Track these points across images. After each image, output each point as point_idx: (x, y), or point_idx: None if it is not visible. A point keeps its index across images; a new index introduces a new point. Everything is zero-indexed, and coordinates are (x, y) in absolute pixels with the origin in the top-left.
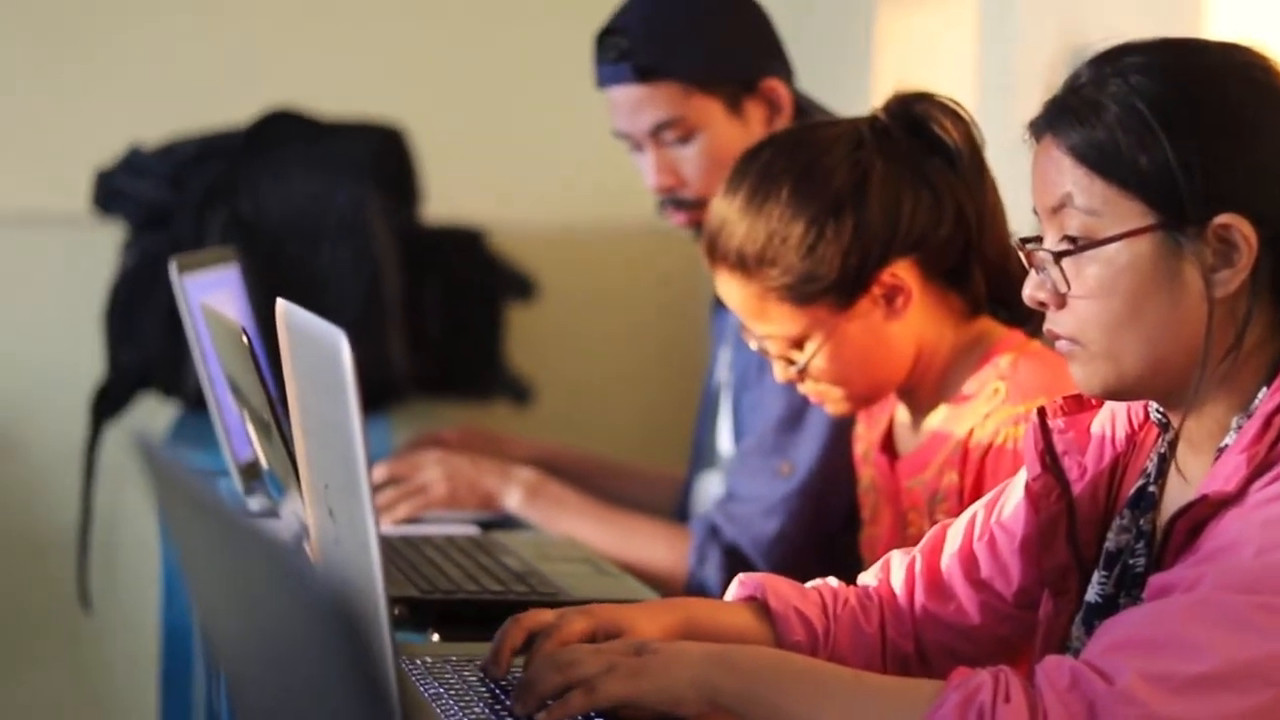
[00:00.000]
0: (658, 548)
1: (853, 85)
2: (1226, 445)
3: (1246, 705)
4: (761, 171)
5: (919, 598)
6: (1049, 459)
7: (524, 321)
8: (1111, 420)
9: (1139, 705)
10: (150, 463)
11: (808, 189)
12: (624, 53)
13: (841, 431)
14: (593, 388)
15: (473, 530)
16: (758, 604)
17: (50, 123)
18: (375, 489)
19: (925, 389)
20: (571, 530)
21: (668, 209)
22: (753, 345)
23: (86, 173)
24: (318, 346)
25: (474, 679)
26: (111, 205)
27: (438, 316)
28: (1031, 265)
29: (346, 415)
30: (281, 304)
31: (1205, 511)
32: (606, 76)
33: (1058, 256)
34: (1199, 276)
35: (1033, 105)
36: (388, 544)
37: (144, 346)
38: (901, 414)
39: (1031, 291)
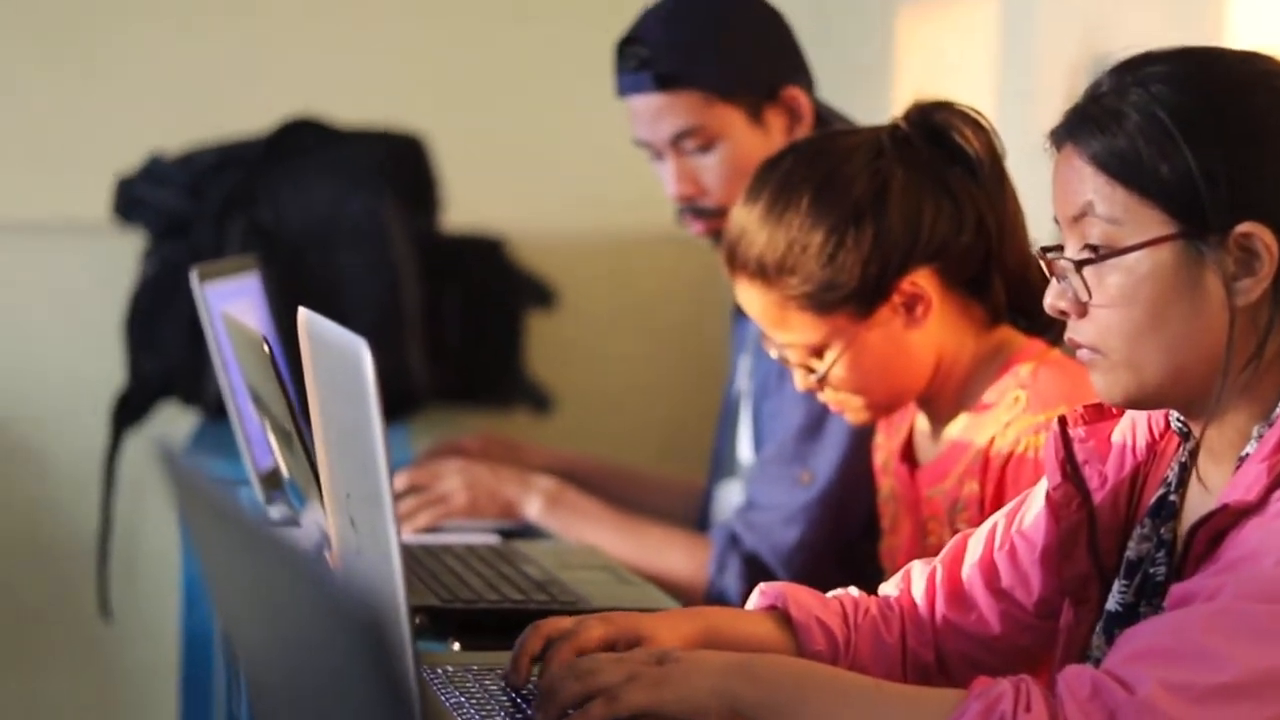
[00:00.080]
0: (677, 556)
1: (873, 94)
2: (1248, 454)
3: (1268, 715)
4: (782, 180)
5: (940, 607)
6: (1070, 468)
7: (543, 330)
8: (1132, 429)
9: (1160, 715)
10: (173, 472)
11: (828, 198)
12: (644, 61)
13: (861, 440)
14: (612, 396)
15: (493, 539)
16: (779, 613)
17: (71, 131)
18: (396, 498)
19: (945, 398)
20: (591, 539)
21: (687, 217)
22: (773, 354)
23: (107, 181)
24: (339, 355)
25: (495, 688)
26: (132, 214)
27: (457, 325)
28: (1053, 274)
29: (368, 424)
30: (303, 313)
31: (1226, 521)
32: (627, 85)
33: (1079, 265)
34: (1220, 285)
35: (1053, 114)
36: (408, 553)
37: (164, 355)
38: (921, 423)
39: (1053, 300)
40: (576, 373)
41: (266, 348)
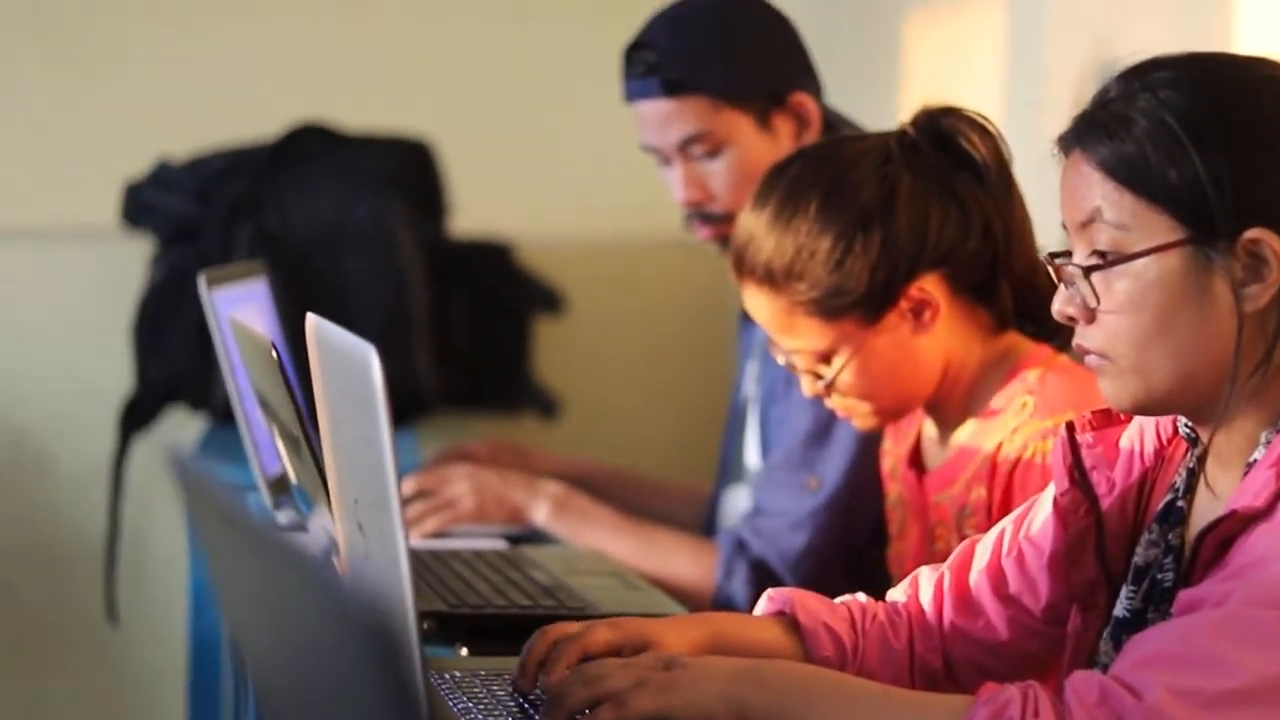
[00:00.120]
0: (685, 562)
1: (881, 100)
2: (1256, 460)
3: None
4: (789, 186)
5: (947, 613)
6: (1077, 474)
7: (551, 335)
8: (1140, 435)
9: None
10: (182, 477)
11: (835, 203)
12: (652, 67)
13: (869, 446)
14: (619, 401)
15: (500, 544)
16: (786, 619)
17: (79, 137)
18: (403, 503)
19: (953, 403)
20: (599, 544)
21: (695, 223)
22: (780, 360)
23: (115, 187)
24: (348, 361)
25: (503, 693)
26: (140, 219)
27: (465, 330)
28: (1061, 280)
29: (377, 430)
30: (311, 318)
31: (1234, 527)
32: (635, 91)
33: (1087, 271)
34: (1229, 291)
35: (1060, 120)
36: (416, 558)
37: (172, 360)
38: (929, 429)
39: (1061, 306)
40: (584, 378)
41: (274, 353)
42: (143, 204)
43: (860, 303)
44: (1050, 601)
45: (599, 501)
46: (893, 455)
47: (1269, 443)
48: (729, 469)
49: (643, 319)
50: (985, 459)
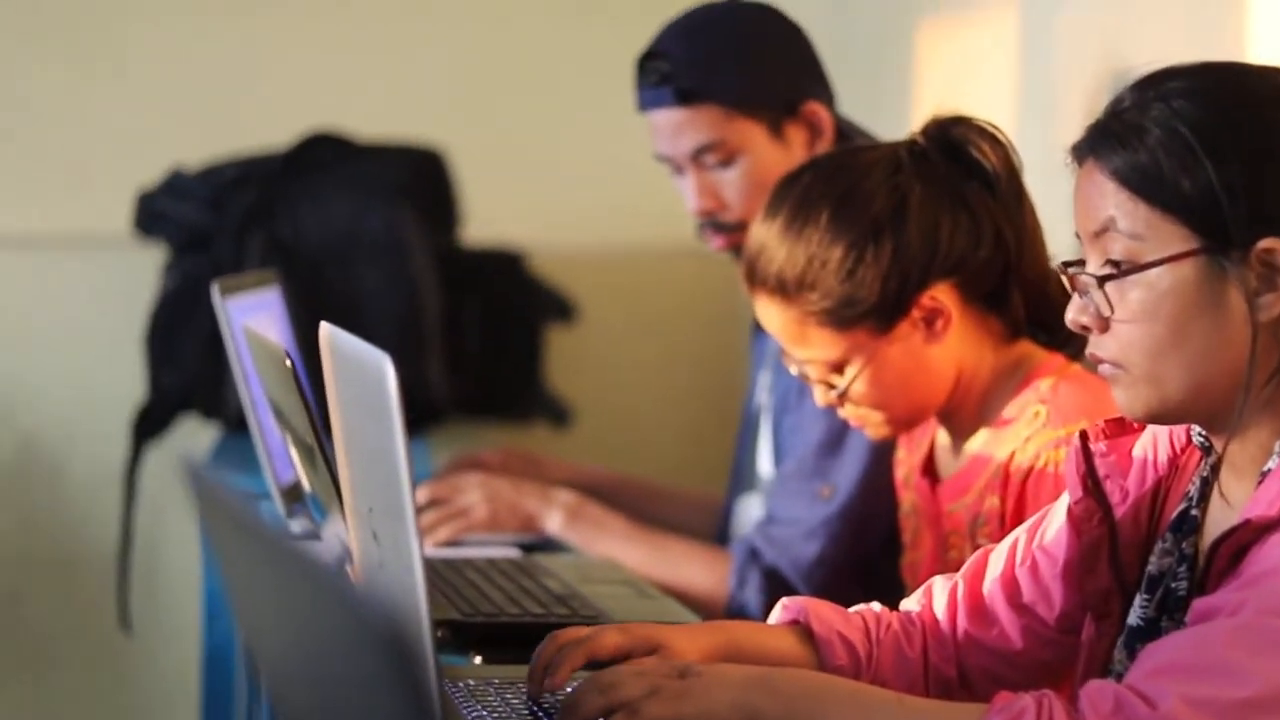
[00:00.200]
0: (697, 570)
1: (894, 109)
2: (1270, 469)
3: None
4: (800, 196)
5: (961, 623)
6: (1091, 483)
7: (563, 344)
8: (1154, 444)
9: None
10: (196, 486)
11: (847, 213)
12: (665, 76)
13: (882, 455)
14: (632, 410)
15: (514, 553)
16: (801, 628)
17: (91, 146)
18: (417, 512)
19: (965, 412)
20: (611, 553)
21: (708, 232)
22: (793, 370)
23: (127, 195)
24: (362, 369)
25: (517, 701)
26: (152, 228)
27: (477, 338)
28: (1074, 289)
29: (391, 439)
30: (325, 327)
31: (1248, 536)
32: (648, 100)
33: (1101, 281)
34: (1243, 300)
35: (1072, 129)
36: (429, 567)
37: (185, 368)
38: (942, 438)
39: (1074, 315)
40: (596, 387)
41: (288, 362)
42: (155, 212)
43: (872, 312)
44: (1064, 610)
45: (611, 510)
46: (906, 464)
47: None
48: (742, 478)
49: (655, 328)
50: (998, 468)
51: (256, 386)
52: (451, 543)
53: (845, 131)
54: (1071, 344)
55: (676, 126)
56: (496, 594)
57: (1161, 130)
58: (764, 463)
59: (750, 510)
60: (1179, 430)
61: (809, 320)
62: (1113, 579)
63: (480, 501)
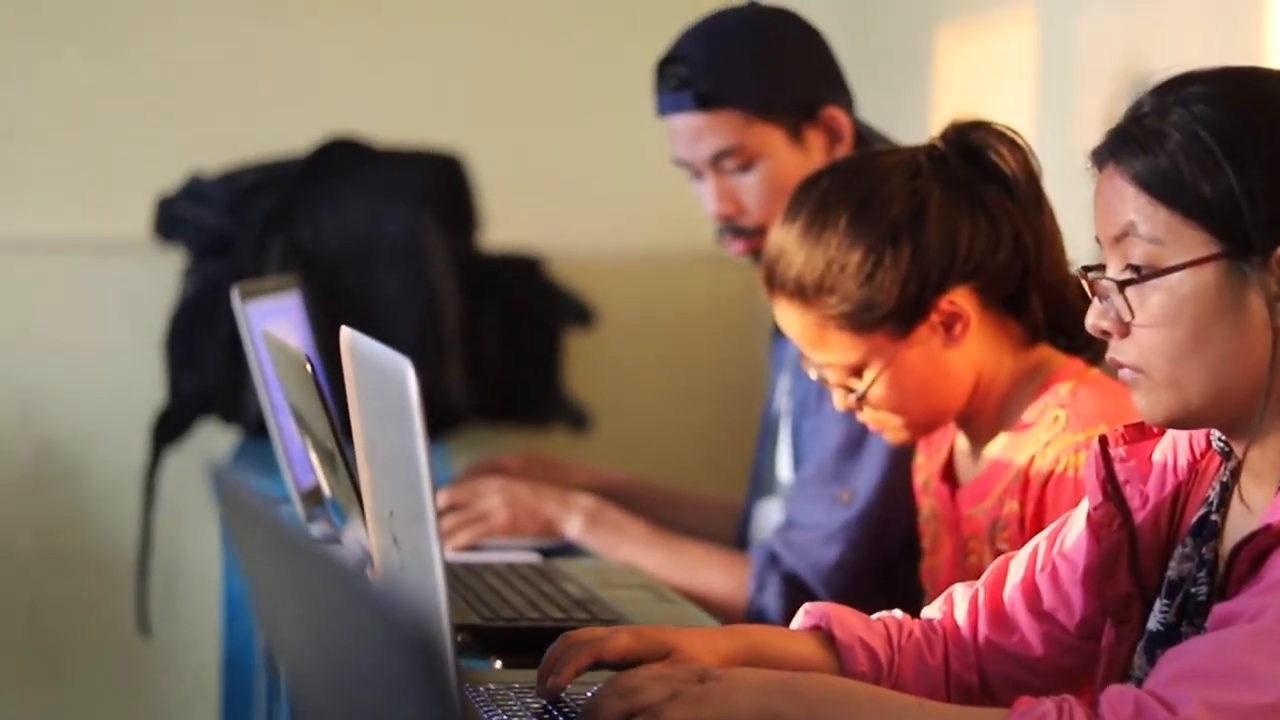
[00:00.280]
0: (717, 575)
1: (913, 113)
2: None
3: None
4: (819, 200)
5: (982, 630)
6: (1110, 488)
7: (582, 348)
8: (1173, 448)
9: None
10: (221, 490)
11: (865, 217)
12: (684, 81)
13: (901, 459)
14: (650, 415)
15: (533, 557)
16: (822, 633)
17: (111, 151)
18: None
19: (984, 417)
20: (631, 557)
21: (726, 237)
22: (812, 374)
23: (147, 200)
24: (383, 374)
25: (536, 706)
26: (172, 232)
27: (496, 343)
28: (1094, 294)
29: (412, 443)
30: (346, 332)
31: (1269, 541)
32: (667, 105)
33: (1121, 285)
34: (1263, 305)
35: (1092, 133)
36: (450, 571)
37: (204, 373)
38: (962, 442)
39: (1094, 320)
40: (615, 391)
41: (309, 367)
42: (175, 217)
43: (891, 316)
44: (1084, 616)
45: (631, 515)
46: (925, 470)
47: None
48: (761, 482)
49: (673, 332)
50: (1018, 473)
51: (276, 391)
52: (471, 547)
53: (864, 136)
54: (1090, 348)
55: (696, 131)
56: (516, 599)
57: (1182, 135)
58: (783, 467)
59: (769, 515)
60: (1199, 435)
61: (828, 324)
62: (1133, 584)
63: (500, 506)
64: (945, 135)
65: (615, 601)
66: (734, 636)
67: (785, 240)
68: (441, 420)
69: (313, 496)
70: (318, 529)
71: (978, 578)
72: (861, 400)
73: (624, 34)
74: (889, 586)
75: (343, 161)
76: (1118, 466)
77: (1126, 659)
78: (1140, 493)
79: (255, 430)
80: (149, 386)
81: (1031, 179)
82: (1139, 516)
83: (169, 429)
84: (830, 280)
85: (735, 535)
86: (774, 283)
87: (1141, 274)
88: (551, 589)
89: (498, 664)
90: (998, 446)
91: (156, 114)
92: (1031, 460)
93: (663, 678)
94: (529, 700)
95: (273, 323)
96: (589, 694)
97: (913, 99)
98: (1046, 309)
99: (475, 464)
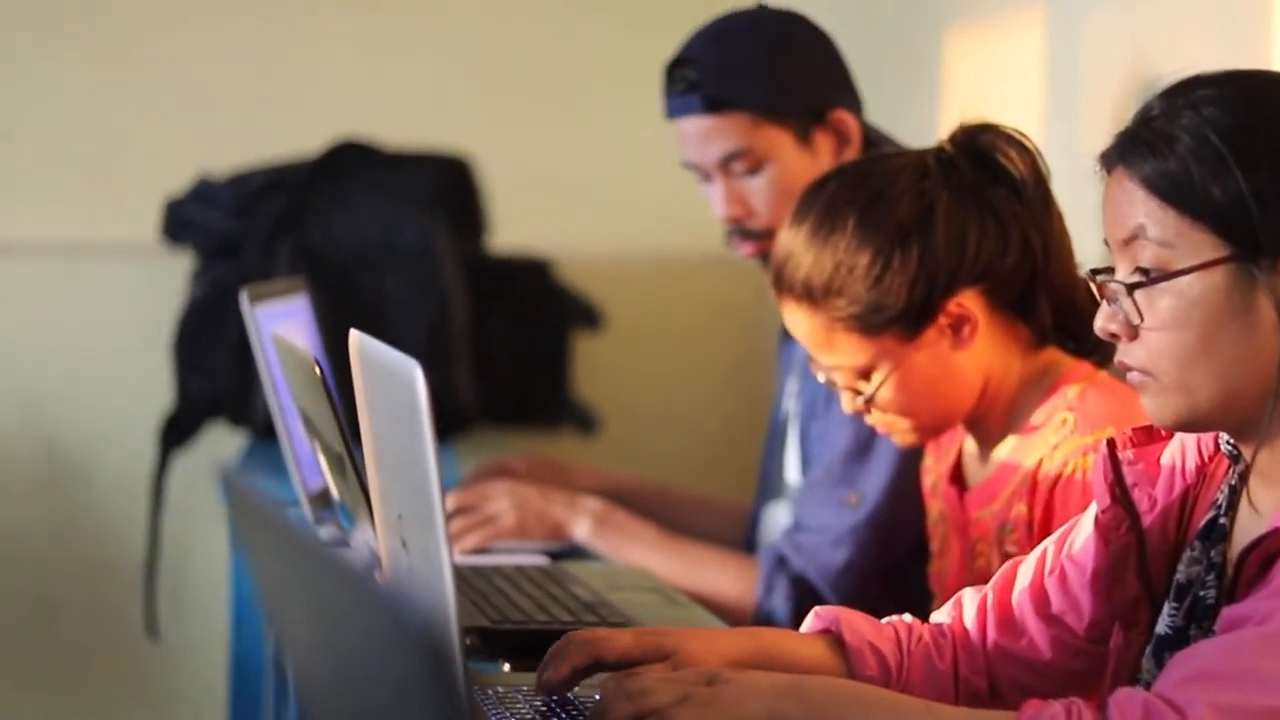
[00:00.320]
0: (725, 578)
1: (921, 117)
2: None
3: None
4: (828, 202)
5: (991, 634)
6: (1119, 491)
7: (590, 351)
8: (1181, 452)
9: None
10: (231, 493)
11: (873, 220)
12: (693, 84)
13: (909, 462)
14: (659, 417)
15: (541, 560)
16: (832, 637)
17: (119, 152)
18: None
19: (993, 420)
20: (639, 560)
21: (735, 239)
22: (820, 376)
23: (156, 202)
24: (392, 377)
25: (545, 708)
26: (181, 235)
27: (505, 346)
28: (1103, 296)
29: (421, 446)
30: (355, 335)
31: (1277, 544)
32: (675, 108)
33: (1130, 288)
34: (1272, 309)
35: (1100, 136)
36: (458, 574)
37: (213, 376)
38: (970, 445)
39: (1103, 323)
40: (623, 394)
41: (318, 369)
42: (183, 220)
43: (899, 318)
44: (1093, 620)
45: (639, 517)
46: (934, 472)
47: None
48: (769, 485)
49: (682, 335)
50: (1026, 475)
51: (285, 394)
52: (479, 550)
53: (872, 139)
54: (1098, 351)
55: (704, 134)
56: (525, 601)
57: (1191, 138)
58: (791, 470)
59: (778, 517)
60: (1207, 438)
61: (836, 326)
62: (1141, 588)
63: (508, 509)
64: (953, 138)
65: (624, 604)
66: (743, 639)
67: (793, 242)
68: (450, 423)
69: (321, 499)
70: (326, 532)
71: (986, 580)
72: (870, 403)
73: (632, 36)
74: (897, 589)
75: (351, 164)
76: (1126, 469)
77: (1135, 662)
78: (1148, 496)
79: (264, 433)
80: (157, 389)
81: (1040, 181)
82: (1147, 520)
83: (177, 432)
84: (838, 282)
85: (743, 538)
86: (782, 285)
87: (1150, 277)
88: (560, 592)
89: (506, 666)
90: (1006, 449)
91: (157, 115)
92: (1040, 463)
93: (672, 680)
94: (537, 703)
95: (281, 325)
96: (597, 696)
97: (921, 102)
98: (1055, 312)
99: (483, 467)
